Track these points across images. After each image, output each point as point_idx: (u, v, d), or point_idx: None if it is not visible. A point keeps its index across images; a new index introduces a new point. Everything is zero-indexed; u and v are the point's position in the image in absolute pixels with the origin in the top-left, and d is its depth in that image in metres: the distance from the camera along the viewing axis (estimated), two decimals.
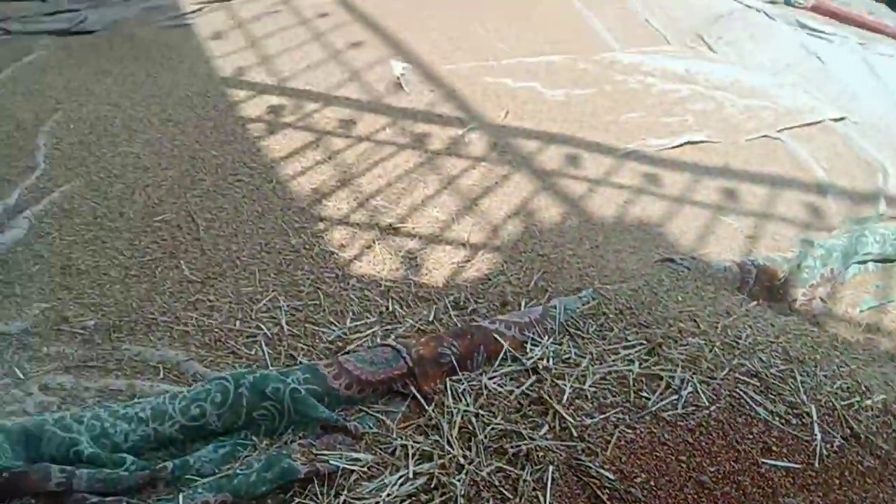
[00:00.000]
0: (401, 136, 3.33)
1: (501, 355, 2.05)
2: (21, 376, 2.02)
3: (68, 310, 2.25)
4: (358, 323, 2.31)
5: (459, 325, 2.26)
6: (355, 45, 4.11)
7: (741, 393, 1.96)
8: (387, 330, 2.29)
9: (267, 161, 3.03)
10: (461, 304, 2.39)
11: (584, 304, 2.21)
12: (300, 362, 2.15)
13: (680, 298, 2.25)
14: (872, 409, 1.97)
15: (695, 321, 2.13)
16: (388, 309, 2.38)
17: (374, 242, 2.67)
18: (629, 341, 2.08)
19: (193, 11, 4.24)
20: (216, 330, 2.24)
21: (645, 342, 2.06)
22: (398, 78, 3.80)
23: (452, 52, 4.19)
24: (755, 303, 2.37)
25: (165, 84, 3.47)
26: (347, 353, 2.16)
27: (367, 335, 2.26)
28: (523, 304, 2.37)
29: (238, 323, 2.28)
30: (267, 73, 3.70)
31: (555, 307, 2.19)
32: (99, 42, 3.82)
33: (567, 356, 2.05)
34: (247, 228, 2.66)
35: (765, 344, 2.09)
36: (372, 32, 4.29)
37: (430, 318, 2.33)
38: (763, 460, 1.81)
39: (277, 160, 3.05)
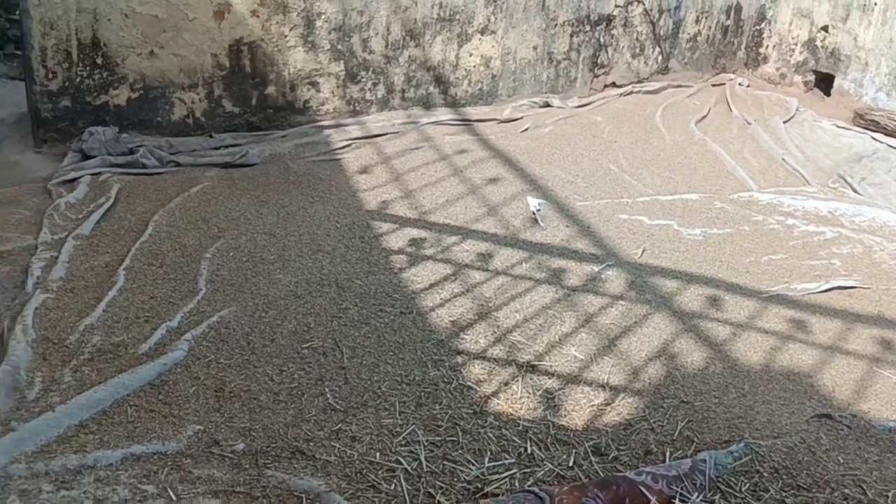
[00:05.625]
0: (537, 271, 3.37)
1: None
2: (174, 498, 2.10)
3: (219, 433, 2.34)
4: (496, 464, 2.28)
5: (602, 474, 2.19)
6: (492, 181, 4.26)
7: None
8: (525, 473, 2.25)
9: (408, 292, 3.13)
10: (602, 450, 2.33)
11: (735, 460, 2.11)
12: (439, 502, 2.14)
13: (841, 460, 2.11)
14: None
15: (861, 487, 1.99)
16: (526, 450, 2.34)
17: (511, 379, 2.67)
18: None
19: (342, 147, 4.53)
20: (357, 462, 2.27)
21: None
22: (534, 213, 3.88)
23: (586, 188, 4.27)
24: None
25: (316, 215, 3.68)
26: (487, 495, 2.13)
27: (505, 477, 2.23)
28: (668, 454, 2.28)
29: (378, 455, 2.30)
30: (409, 207, 3.87)
31: (704, 461, 2.09)
32: (257, 174, 4.12)
33: None
34: (388, 358, 2.73)
35: None
36: (508, 169, 4.44)
37: (570, 464, 2.28)
38: None
39: (418, 291, 3.14)
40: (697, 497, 2.00)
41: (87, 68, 4.05)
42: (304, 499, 2.12)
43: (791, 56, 6.49)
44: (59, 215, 3.43)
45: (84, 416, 2.32)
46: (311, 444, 2.32)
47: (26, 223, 3.41)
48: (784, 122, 5.47)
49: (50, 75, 3.97)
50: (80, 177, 3.79)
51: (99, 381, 2.47)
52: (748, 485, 2.05)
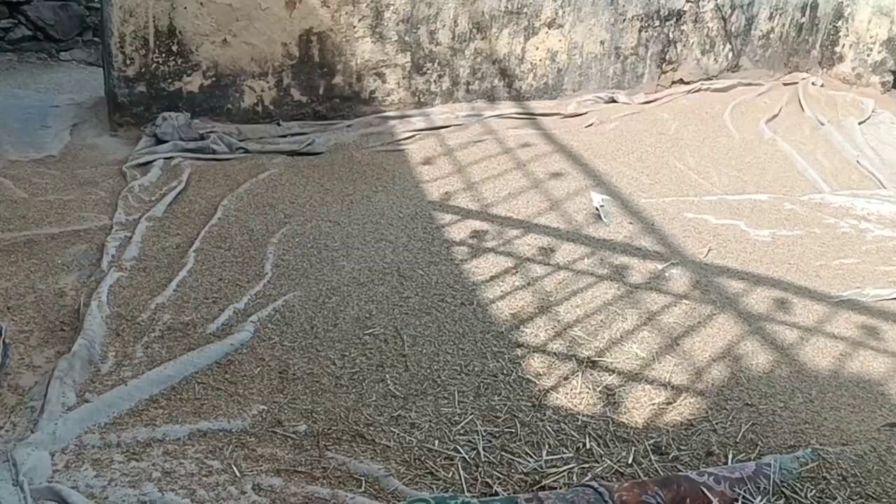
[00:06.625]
0: (599, 267, 3.34)
1: None
2: (238, 474, 2.15)
3: (283, 413, 2.39)
4: (554, 457, 2.28)
5: (662, 473, 2.17)
6: (556, 176, 4.23)
7: None
8: (583, 468, 2.24)
9: (469, 283, 3.14)
10: (662, 449, 2.31)
11: (802, 465, 2.06)
12: (496, 491, 2.15)
13: None
14: None
15: None
16: (584, 446, 2.33)
17: (571, 374, 2.65)
18: None
19: (406, 138, 4.56)
20: (416, 448, 2.29)
21: None
22: (597, 209, 3.85)
23: (651, 185, 4.22)
24: None
25: (380, 205, 3.72)
26: (544, 488, 2.13)
27: (563, 471, 2.23)
28: (730, 456, 2.25)
29: (437, 443, 2.31)
30: (471, 199, 3.88)
31: (769, 464, 2.06)
32: (322, 163, 4.18)
33: None
34: (448, 348, 2.74)
35: None
36: (572, 164, 4.41)
37: (629, 461, 2.26)
38: None
39: (479, 283, 3.15)
40: (761, 501, 1.97)
41: (163, 55, 4.16)
42: (363, 482, 2.15)
43: (868, 55, 6.28)
44: (133, 197, 3.54)
45: (154, 391, 2.40)
46: (372, 428, 2.35)
47: (102, 203, 3.53)
48: (859, 124, 5.30)
49: (128, 61, 4.09)
50: (153, 160, 3.90)
51: (169, 358, 2.54)
52: (814, 491, 2.01)
